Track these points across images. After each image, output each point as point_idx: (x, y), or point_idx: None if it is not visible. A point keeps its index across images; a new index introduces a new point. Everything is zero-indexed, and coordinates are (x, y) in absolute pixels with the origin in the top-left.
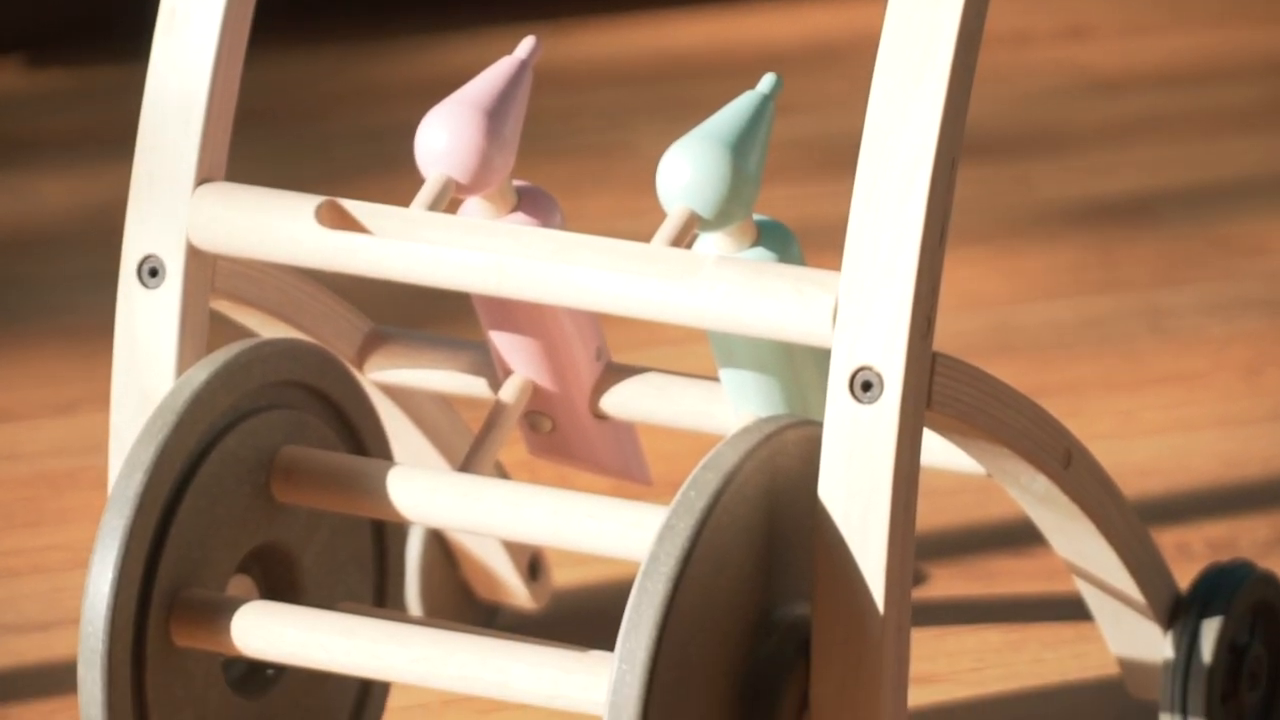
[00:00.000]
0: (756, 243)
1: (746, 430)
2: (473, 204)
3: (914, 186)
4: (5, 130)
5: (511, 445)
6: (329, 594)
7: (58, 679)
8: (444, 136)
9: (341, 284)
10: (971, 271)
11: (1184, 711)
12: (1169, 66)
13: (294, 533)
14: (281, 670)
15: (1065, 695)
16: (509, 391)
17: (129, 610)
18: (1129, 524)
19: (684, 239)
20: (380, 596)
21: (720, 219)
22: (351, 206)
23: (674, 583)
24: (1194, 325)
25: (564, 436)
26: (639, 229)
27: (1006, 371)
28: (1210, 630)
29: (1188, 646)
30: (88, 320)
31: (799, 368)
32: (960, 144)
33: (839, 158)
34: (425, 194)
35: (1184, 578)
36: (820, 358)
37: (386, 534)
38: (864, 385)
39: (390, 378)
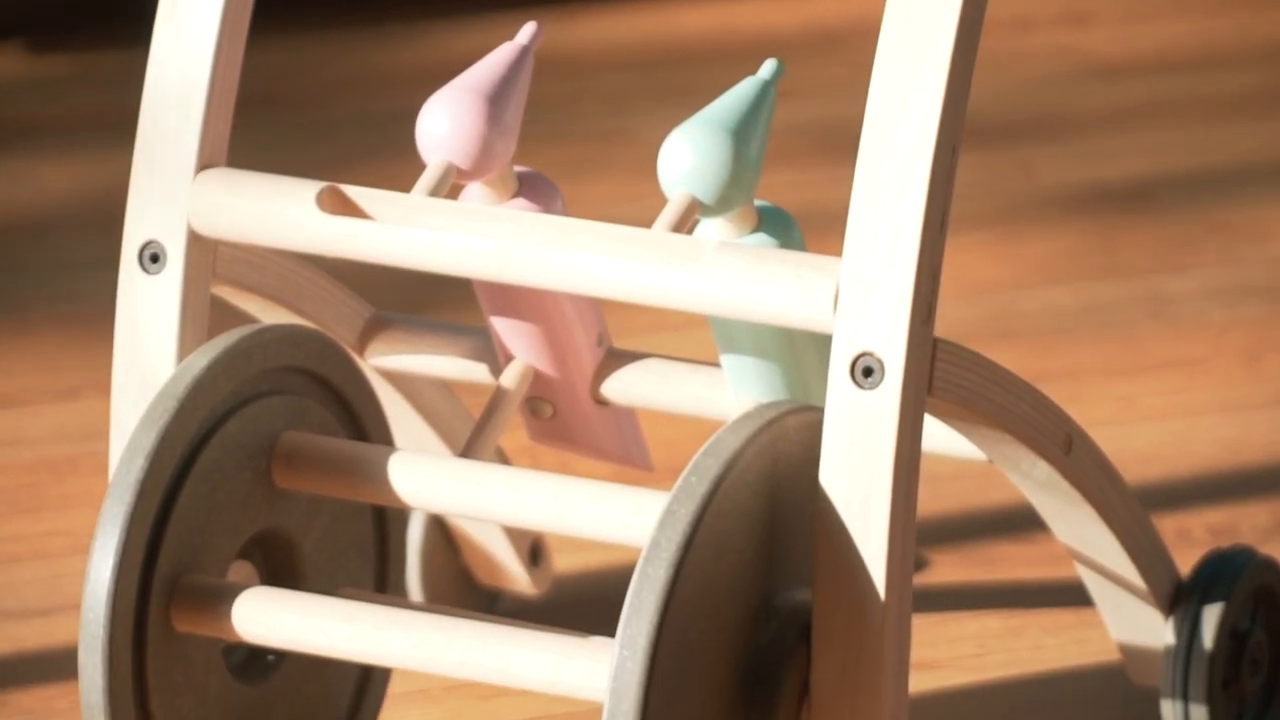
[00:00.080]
0: (757, 228)
1: (747, 416)
2: (474, 190)
3: (915, 172)
4: (6, 116)
5: (512, 431)
6: (330, 580)
7: (58, 665)
8: (445, 122)
9: (342, 270)
10: (972, 257)
11: (1185, 697)
12: (1169, 52)
13: (295, 518)
14: (282, 656)
15: (1066, 681)
16: (510, 377)
17: (130, 596)
18: (1130, 510)
19: (685, 225)
20: (381, 582)
21: (721, 204)
22: (353, 192)
23: (675, 568)
24: (1195, 311)
25: (565, 422)
26: (640, 215)
27: (1007, 357)
28: (1211, 616)
29: (1189, 632)
30: (89, 306)
31: (800, 353)
32: (961, 130)
33: (840, 143)
34: (426, 180)
35: (1185, 564)
36: (821, 343)
37: (387, 520)
38: (865, 371)
39: (391, 363)
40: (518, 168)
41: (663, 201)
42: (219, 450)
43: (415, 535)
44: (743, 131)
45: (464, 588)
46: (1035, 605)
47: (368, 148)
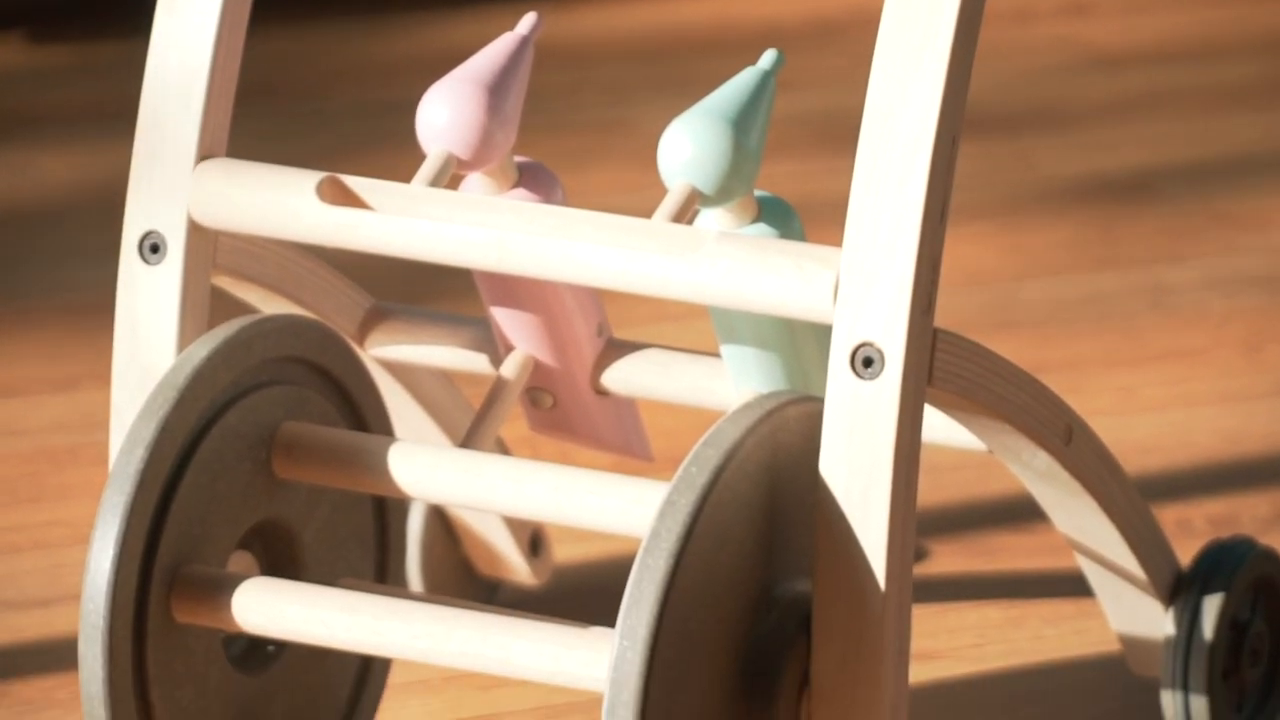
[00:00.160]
0: (758, 219)
1: (748, 406)
2: (474, 180)
3: (915, 163)
4: (6, 106)
5: (513, 421)
6: (330, 570)
7: (58, 655)
8: (445, 112)
9: (343, 260)
10: (972, 248)
11: (1185, 688)
12: (1170, 43)
13: (295, 509)
14: (282, 647)
15: (1066, 672)
16: (510, 367)
17: (130, 586)
18: (1130, 500)
19: (685, 215)
20: (381, 573)
21: (721, 195)
22: (353, 182)
23: (675, 559)
24: (1195, 301)
25: (565, 412)
26: (640, 205)
27: (1007, 348)
28: (1212, 607)
29: (1189, 623)
30: (89, 296)
31: (800, 344)
32: (961, 121)
33: (840, 134)
34: (426, 170)
35: (1185, 554)
36: (821, 334)
37: (387, 510)
38: (865, 361)
39: (391, 353)
40: (518, 158)
41: (663, 192)
42: (219, 440)
43: (415, 526)
44: (743, 122)
45: (464, 578)
46: (1035, 596)
47: (368, 138)
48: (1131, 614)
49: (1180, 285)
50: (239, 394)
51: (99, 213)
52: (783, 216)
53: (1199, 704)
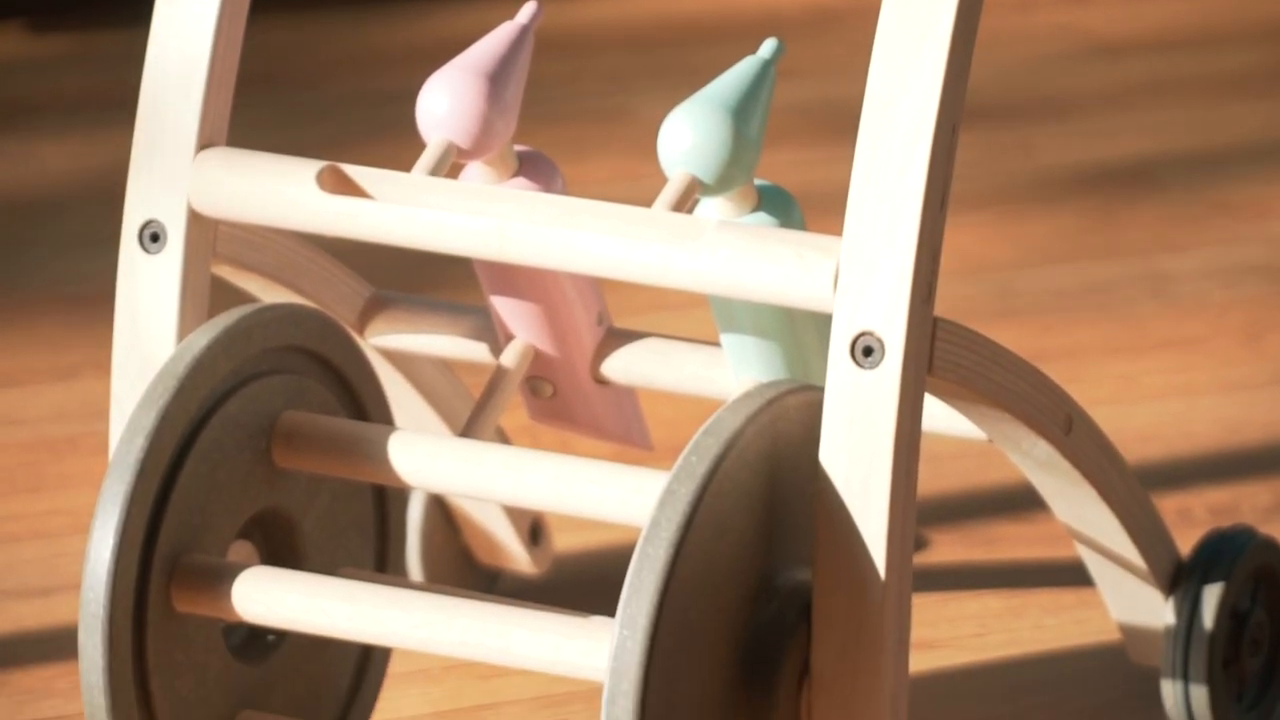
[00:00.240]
0: (758, 208)
1: (748, 395)
2: (474, 169)
3: (915, 152)
4: (7, 95)
5: (513, 410)
6: (330, 559)
7: (58, 644)
8: (445, 101)
9: (343, 249)
10: (973, 236)
11: (1185, 677)
12: (1170, 31)
13: (295, 498)
14: (282, 636)
15: (1066, 661)
16: (510, 356)
17: (130, 576)
18: (1130, 489)
19: (685, 204)
20: (381, 562)
21: (721, 184)
22: (353, 171)
23: (675, 548)
24: (1195, 290)
25: (565, 401)
26: (640, 194)
27: (1007, 336)
28: (1212, 596)
29: (1189, 612)
30: (89, 286)
31: (800, 333)
32: (961, 109)
33: (840, 123)
34: (426, 159)
35: (1185, 543)
36: (821, 323)
37: (387, 499)
38: (865, 350)
39: (391, 343)
40: (518, 147)
41: (663, 181)
42: (219, 430)
43: (415, 515)
44: (743, 111)
45: (464, 567)
46: (1035, 585)
47: (368, 127)
48: (1132, 603)
49: (1180, 274)
50: (239, 383)
51: (99, 202)
52: (783, 205)
53: (1199, 693)
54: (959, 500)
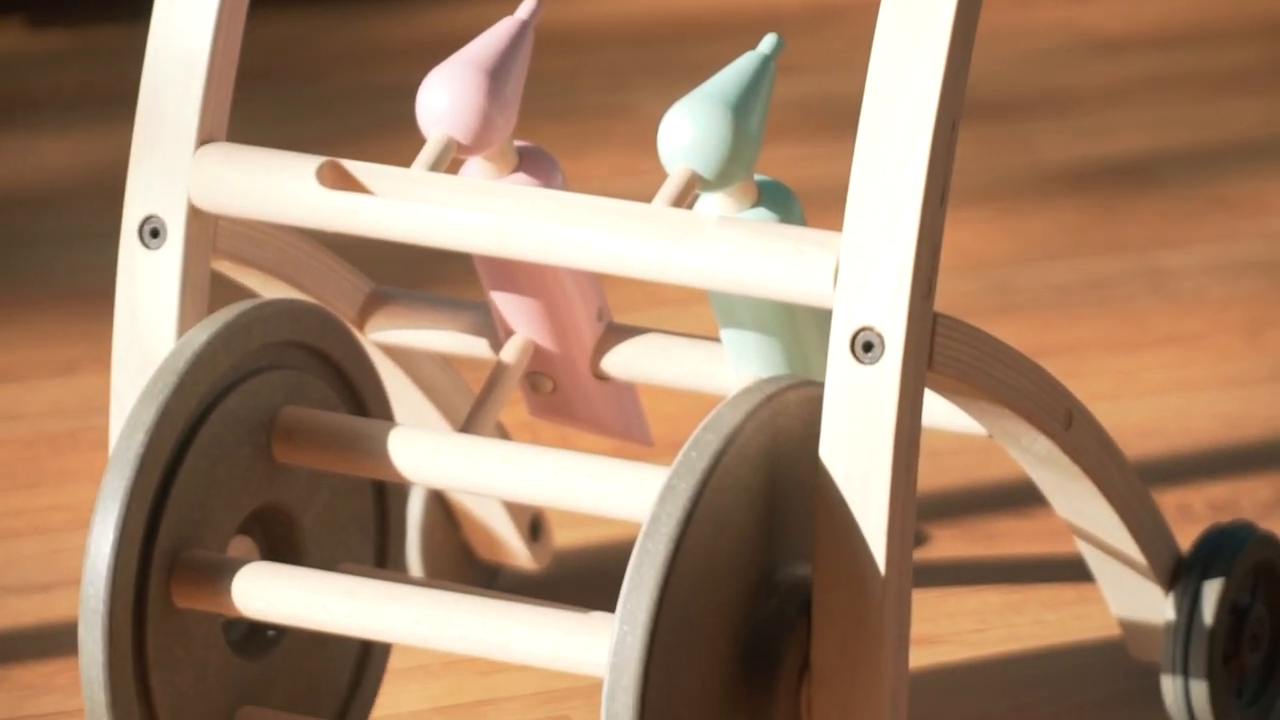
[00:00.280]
0: (758, 203)
1: (748, 391)
2: (474, 164)
3: (915, 147)
4: (6, 90)
5: (513, 406)
6: (330, 555)
7: (58, 640)
8: (445, 97)
9: (342, 245)
10: (972, 232)
11: (1185, 673)
12: (1170, 27)
13: (295, 494)
14: (282, 632)
15: (1066, 656)
16: (510, 352)
17: (130, 571)
18: (1130, 485)
19: (685, 199)
20: (381, 557)
21: (721, 179)
22: (353, 167)
23: (675, 544)
24: (1195, 286)
25: (565, 397)
26: (640, 189)
27: (1007, 332)
28: (1212, 592)
29: (1189, 608)
30: (89, 281)
31: (800, 328)
32: (961, 105)
33: (840, 118)
34: (426, 154)
35: (1185, 539)
36: (821, 318)
37: (387, 495)
38: (865, 346)
39: (391, 338)
40: (518, 142)
41: (663, 176)
42: (219, 425)
43: (415, 510)
44: (743, 106)
45: (464, 563)
46: (1035, 580)
47: (368, 122)
48: (1132, 599)
49: (1180, 270)
50: (239, 379)
51: (99, 198)
52: (783, 201)
53: (1199, 689)
54: (959, 496)
